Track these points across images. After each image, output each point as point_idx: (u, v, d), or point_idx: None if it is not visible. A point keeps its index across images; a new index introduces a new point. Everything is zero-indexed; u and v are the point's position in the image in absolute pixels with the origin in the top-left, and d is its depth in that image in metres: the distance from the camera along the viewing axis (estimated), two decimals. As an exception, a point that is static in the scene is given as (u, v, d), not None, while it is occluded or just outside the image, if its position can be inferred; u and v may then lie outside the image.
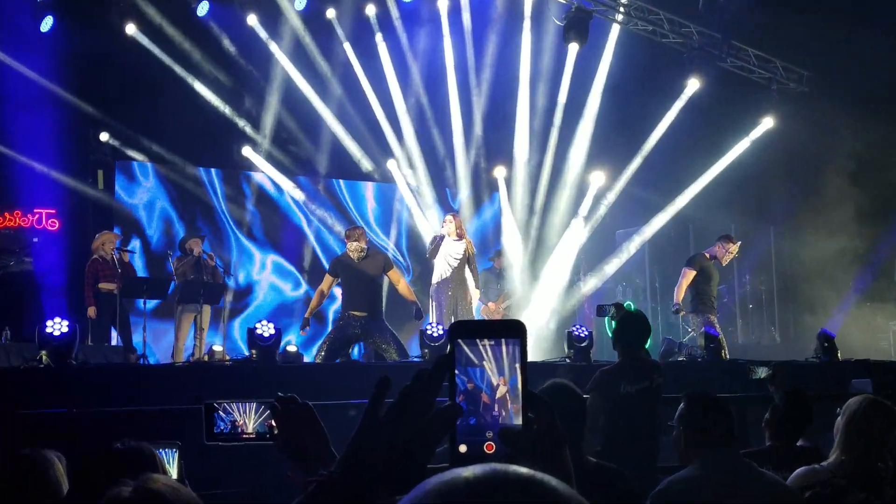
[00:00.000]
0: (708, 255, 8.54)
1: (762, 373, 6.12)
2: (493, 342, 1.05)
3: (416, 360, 7.09)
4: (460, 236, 8.56)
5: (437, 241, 8.40)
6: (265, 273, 11.62)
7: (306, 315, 7.91)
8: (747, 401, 5.84)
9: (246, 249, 11.51)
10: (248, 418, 2.09)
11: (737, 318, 12.30)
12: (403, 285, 7.99)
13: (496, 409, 1.04)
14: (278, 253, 11.72)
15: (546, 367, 6.69)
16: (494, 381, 1.03)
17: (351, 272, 7.61)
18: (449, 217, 8.66)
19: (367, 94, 11.33)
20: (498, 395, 1.04)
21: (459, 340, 1.04)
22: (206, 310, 9.15)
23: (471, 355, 1.04)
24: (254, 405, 2.09)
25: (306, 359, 7.44)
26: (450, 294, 8.37)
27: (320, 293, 7.82)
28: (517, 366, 1.04)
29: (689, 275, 8.33)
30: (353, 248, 7.62)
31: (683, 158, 11.77)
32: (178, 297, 9.05)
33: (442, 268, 8.41)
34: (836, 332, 8.12)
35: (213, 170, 11.40)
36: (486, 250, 11.78)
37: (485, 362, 1.04)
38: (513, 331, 1.05)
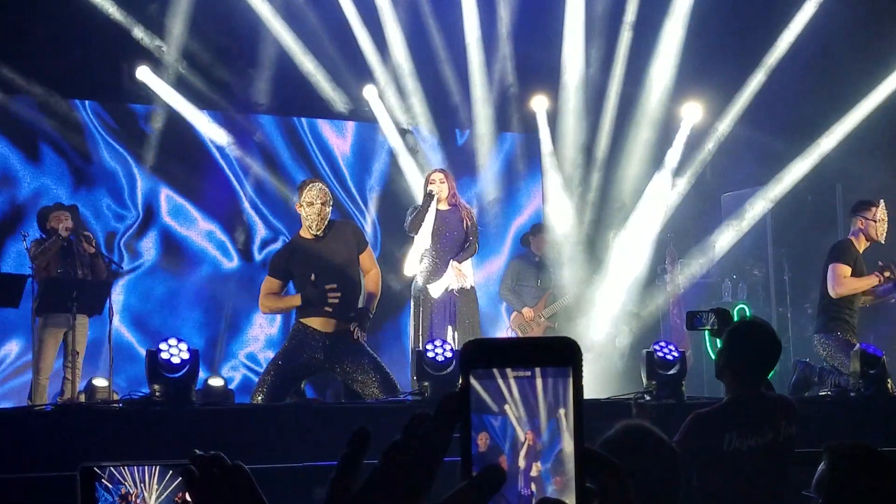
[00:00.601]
0: (854, 241, 8.53)
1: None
2: (527, 373, 1.04)
3: (409, 398, 7.14)
4: (454, 204, 8.58)
5: (426, 202, 8.42)
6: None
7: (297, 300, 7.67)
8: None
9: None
10: (148, 490, 2.12)
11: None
12: (374, 277, 7.80)
13: (524, 481, 1.04)
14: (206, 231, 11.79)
15: (610, 408, 6.72)
16: (522, 435, 1.03)
17: (307, 261, 7.58)
18: (439, 174, 8.67)
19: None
20: (527, 457, 1.04)
21: (477, 371, 1.04)
22: (83, 323, 9.14)
23: (490, 395, 1.04)
24: (156, 470, 2.12)
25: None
26: (439, 294, 8.42)
27: (267, 296, 7.72)
28: (562, 412, 1.04)
29: (846, 271, 8.34)
30: (310, 217, 7.55)
31: (824, 83, 11.73)
32: (38, 304, 9.07)
33: (422, 252, 8.46)
34: None
35: (87, 102, 11.43)
36: (515, 225, 11.82)
37: (509, 406, 1.04)
38: (560, 355, 1.05)
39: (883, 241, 8.61)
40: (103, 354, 10.20)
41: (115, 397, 8.47)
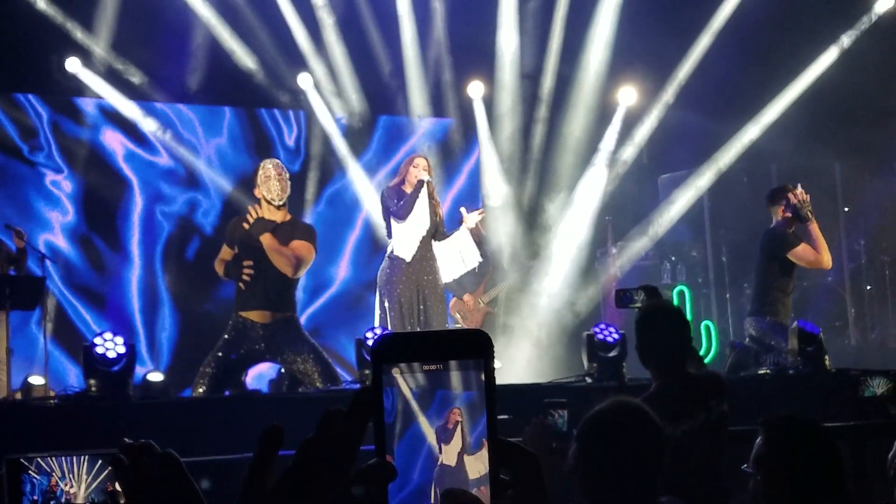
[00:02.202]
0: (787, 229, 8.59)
1: (880, 387, 6.20)
2: (440, 367, 1.04)
3: (348, 386, 7.12)
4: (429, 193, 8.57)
5: (418, 188, 8.39)
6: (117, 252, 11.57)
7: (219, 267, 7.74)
8: (865, 432, 5.92)
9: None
10: (77, 480, 2.08)
11: (847, 306, 12.48)
12: (298, 252, 7.67)
13: (443, 464, 1.04)
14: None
15: (552, 391, 6.74)
16: (432, 432, 1.03)
17: (249, 247, 7.54)
18: (424, 160, 8.65)
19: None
20: (448, 447, 1.04)
21: (391, 366, 1.05)
22: (5, 320, 8.95)
23: (408, 387, 1.05)
24: (85, 459, 2.08)
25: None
26: (410, 279, 8.39)
27: (220, 262, 7.77)
28: (475, 404, 1.04)
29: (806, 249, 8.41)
30: (272, 189, 7.50)
31: (757, 64, 11.85)
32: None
33: (403, 236, 8.42)
34: None
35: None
36: (454, 211, 11.79)
37: (424, 398, 1.04)
38: (472, 348, 1.05)
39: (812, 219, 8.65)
40: (38, 352, 10.11)
41: (52, 394, 8.37)
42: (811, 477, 2.91)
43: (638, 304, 6.33)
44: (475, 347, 1.06)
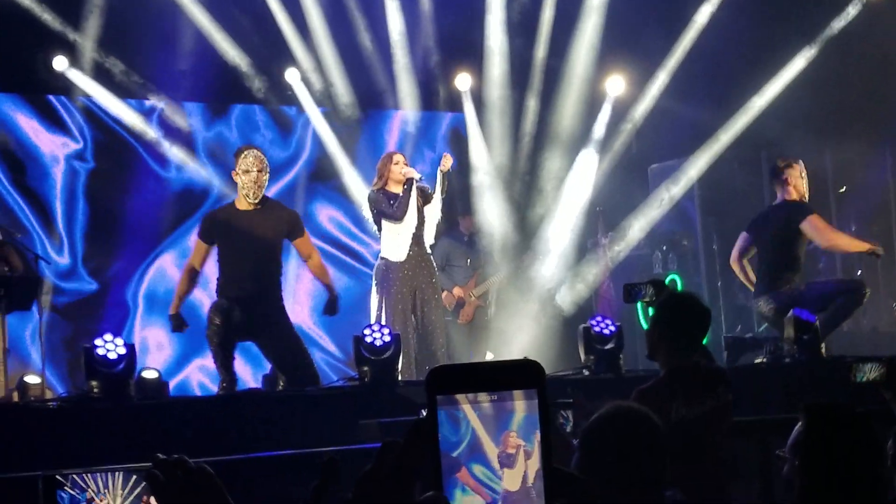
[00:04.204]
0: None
1: (871, 372, 6.25)
2: (493, 397, 1.07)
3: (339, 383, 7.16)
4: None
5: (409, 187, 8.45)
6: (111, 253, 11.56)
7: (172, 309, 7.97)
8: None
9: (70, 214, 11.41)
10: (113, 495, 2.13)
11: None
12: (317, 260, 8.26)
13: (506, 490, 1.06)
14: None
15: (550, 384, 6.79)
16: (494, 455, 1.05)
17: (233, 233, 7.63)
18: (399, 156, 8.72)
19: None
20: (511, 472, 1.05)
21: (447, 397, 1.06)
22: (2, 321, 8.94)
23: (466, 416, 1.07)
24: (120, 475, 2.13)
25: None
26: (406, 277, 8.44)
27: (189, 271, 7.95)
28: (533, 434, 1.05)
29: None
30: (247, 185, 7.62)
31: (746, 52, 11.89)
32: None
33: (394, 236, 8.48)
34: None
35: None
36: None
37: (478, 428, 1.06)
38: (525, 377, 1.06)
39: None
40: (33, 351, 10.12)
41: (48, 394, 8.39)
42: (849, 463, 2.95)
43: (647, 299, 6.39)
44: (528, 377, 1.07)
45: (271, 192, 8.85)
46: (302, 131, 12.38)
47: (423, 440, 1.06)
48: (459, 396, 1.06)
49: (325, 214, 12.40)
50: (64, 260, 11.24)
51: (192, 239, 8.02)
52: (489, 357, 10.76)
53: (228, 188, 11.24)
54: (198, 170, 11.76)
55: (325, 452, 5.18)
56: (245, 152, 7.77)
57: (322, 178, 12.28)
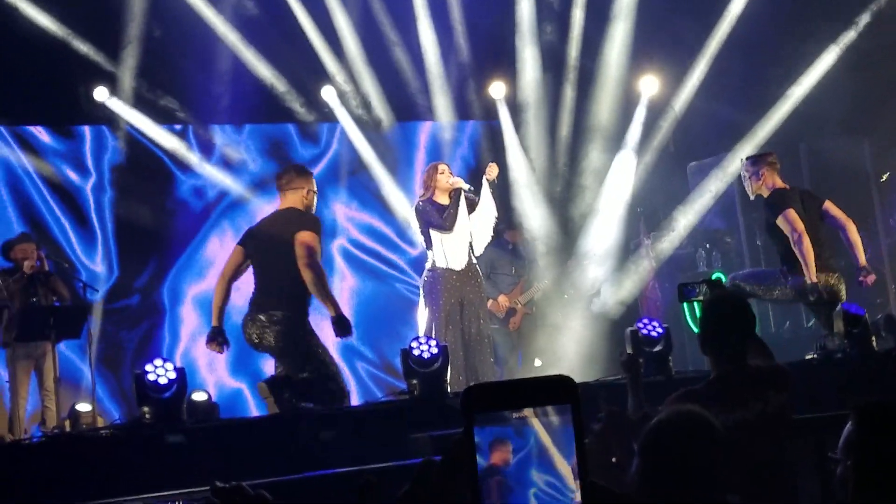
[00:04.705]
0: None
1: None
2: (528, 413, 1.06)
3: (388, 398, 7.12)
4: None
5: (457, 198, 8.45)
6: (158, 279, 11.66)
7: (213, 322, 7.24)
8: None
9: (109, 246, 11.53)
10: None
11: (888, 282, 12.41)
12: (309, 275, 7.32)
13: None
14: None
15: (598, 391, 6.76)
16: (566, 469, 1.06)
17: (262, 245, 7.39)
18: (444, 165, 8.72)
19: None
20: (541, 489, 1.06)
21: (481, 416, 1.07)
22: (55, 350, 9.01)
23: (495, 437, 1.08)
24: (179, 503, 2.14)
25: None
26: (455, 289, 8.44)
27: (223, 281, 7.31)
28: (567, 448, 1.06)
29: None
30: (313, 204, 7.47)
31: (780, 44, 11.83)
32: (15, 335, 9.00)
33: (445, 246, 8.48)
34: None
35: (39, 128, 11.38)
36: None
37: (546, 443, 1.06)
38: (559, 393, 1.06)
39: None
40: (83, 379, 10.23)
41: (100, 422, 8.46)
42: None
43: (700, 298, 6.33)
44: (561, 393, 1.07)
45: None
46: (339, 146, 12.43)
47: (461, 459, 1.06)
48: (527, 411, 1.07)
49: (357, 222, 12.44)
50: (107, 282, 11.36)
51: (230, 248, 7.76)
52: (538, 364, 10.74)
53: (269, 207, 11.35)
54: (240, 191, 11.85)
55: (373, 470, 5.18)
56: (294, 170, 7.58)
57: (356, 189, 12.35)
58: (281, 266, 7.08)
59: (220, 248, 11.68)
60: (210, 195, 11.93)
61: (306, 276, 6.99)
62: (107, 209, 11.48)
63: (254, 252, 7.31)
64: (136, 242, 11.53)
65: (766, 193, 8.48)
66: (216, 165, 11.87)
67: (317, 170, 11.69)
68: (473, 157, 12.70)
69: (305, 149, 12.47)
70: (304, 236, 7.05)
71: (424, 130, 12.83)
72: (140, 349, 11.15)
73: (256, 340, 7.15)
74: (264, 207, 11.53)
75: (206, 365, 11.28)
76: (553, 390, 1.05)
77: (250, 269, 7.38)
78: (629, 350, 7.33)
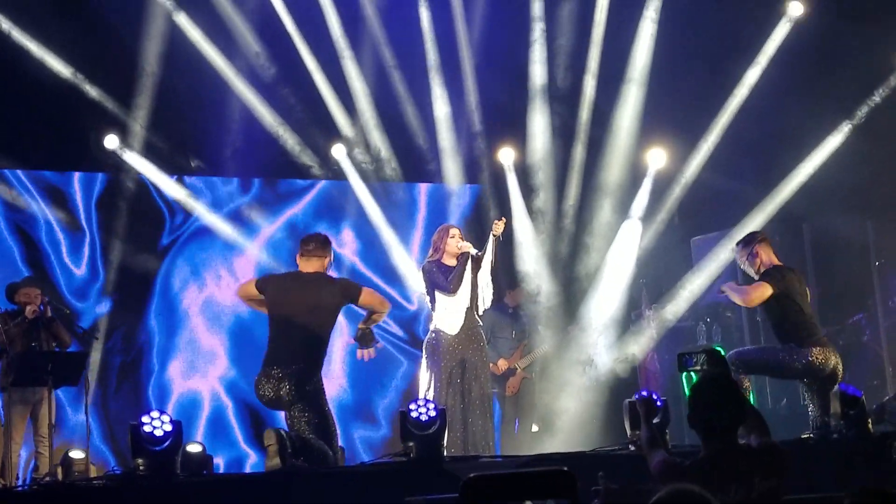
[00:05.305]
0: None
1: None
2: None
3: (385, 459, 7.10)
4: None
5: (464, 261, 8.50)
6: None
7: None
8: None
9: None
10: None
11: (885, 364, 12.40)
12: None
13: None
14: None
15: (596, 460, 6.74)
16: None
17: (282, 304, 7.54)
18: (455, 229, 8.79)
19: (297, 48, 11.62)
20: None
21: None
22: (52, 397, 9.01)
23: None
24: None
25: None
26: (456, 351, 8.45)
27: (245, 300, 7.74)
28: None
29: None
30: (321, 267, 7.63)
31: (786, 126, 11.90)
32: (12, 379, 8.94)
33: (448, 308, 8.51)
34: None
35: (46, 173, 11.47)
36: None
37: None
38: (557, 487, 1.09)
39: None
40: (76, 424, 10.24)
41: (93, 470, 8.41)
42: None
43: (698, 368, 6.30)
44: (561, 486, 1.10)
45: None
46: (346, 203, 12.50)
47: None
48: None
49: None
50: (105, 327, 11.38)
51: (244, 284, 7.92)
52: (535, 429, 10.72)
53: (273, 261, 11.44)
54: (241, 240, 11.93)
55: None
56: (330, 243, 7.76)
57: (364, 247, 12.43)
58: (307, 323, 7.36)
59: (214, 297, 11.84)
60: (216, 244, 11.97)
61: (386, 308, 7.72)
62: (108, 254, 11.49)
63: (274, 302, 7.49)
64: (132, 288, 11.59)
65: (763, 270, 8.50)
66: (220, 216, 11.94)
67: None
68: (475, 217, 12.71)
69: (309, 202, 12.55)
70: (366, 292, 7.64)
71: (426, 190, 12.90)
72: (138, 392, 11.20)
73: (271, 395, 7.28)
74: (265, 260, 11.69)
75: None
76: (552, 484, 1.08)
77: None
78: (627, 424, 7.32)
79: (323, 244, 7.65)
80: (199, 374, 11.65)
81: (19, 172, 11.23)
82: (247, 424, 11.56)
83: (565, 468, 0.95)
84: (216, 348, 11.73)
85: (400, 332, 12.36)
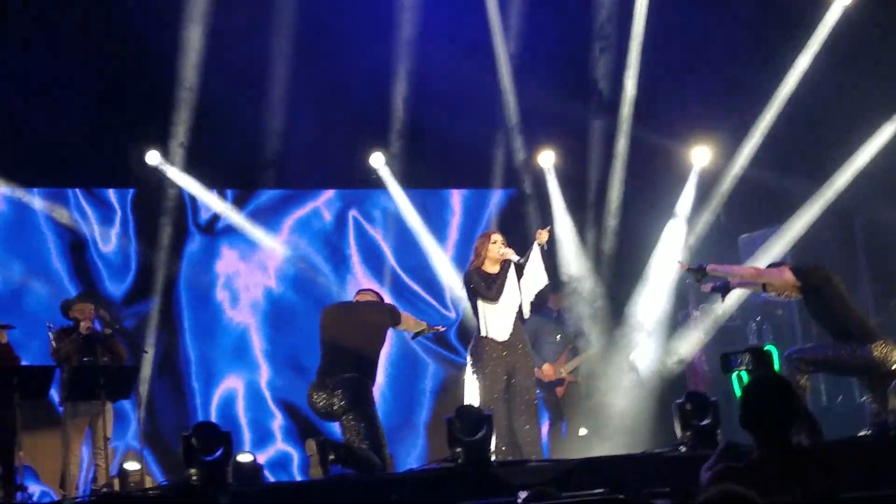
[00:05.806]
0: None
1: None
2: None
3: (433, 465, 7.12)
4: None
5: (505, 268, 8.54)
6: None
7: None
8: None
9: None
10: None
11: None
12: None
13: None
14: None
15: (646, 462, 6.71)
16: None
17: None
18: (497, 235, 8.79)
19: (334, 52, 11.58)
20: None
21: None
22: (109, 409, 9.26)
23: None
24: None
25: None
26: (502, 358, 8.46)
27: None
28: None
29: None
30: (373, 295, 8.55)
31: (835, 118, 11.82)
32: (67, 393, 9.15)
33: (493, 316, 8.54)
34: None
35: (77, 191, 11.57)
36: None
37: None
38: None
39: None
40: (128, 436, 10.35)
41: (148, 481, 8.52)
42: None
43: (743, 368, 6.26)
44: None
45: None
46: (385, 211, 12.54)
47: None
48: None
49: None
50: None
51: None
52: (582, 433, 10.68)
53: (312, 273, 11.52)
54: (289, 257, 12.02)
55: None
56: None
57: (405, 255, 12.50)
58: (363, 341, 8.25)
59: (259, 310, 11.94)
60: (258, 259, 12.06)
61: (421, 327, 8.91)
62: (151, 267, 11.60)
63: (331, 325, 8.41)
64: (172, 299, 11.73)
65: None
66: (263, 228, 12.03)
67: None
68: (511, 223, 12.69)
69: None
70: (404, 317, 8.73)
71: (461, 195, 12.93)
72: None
73: (324, 404, 7.99)
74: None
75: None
76: None
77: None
78: (677, 425, 7.30)
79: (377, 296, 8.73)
80: (236, 376, 11.87)
81: (68, 191, 11.38)
82: (288, 424, 11.71)
83: (621, 496, 0.95)
84: (256, 353, 11.93)
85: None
